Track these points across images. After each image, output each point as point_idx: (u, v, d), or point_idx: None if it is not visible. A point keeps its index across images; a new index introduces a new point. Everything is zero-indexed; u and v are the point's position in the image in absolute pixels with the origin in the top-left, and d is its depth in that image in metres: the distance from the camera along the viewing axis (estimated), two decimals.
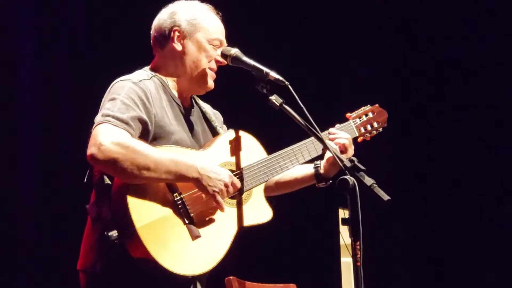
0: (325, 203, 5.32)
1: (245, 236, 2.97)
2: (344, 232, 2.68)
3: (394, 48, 5.76)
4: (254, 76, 2.93)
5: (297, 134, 3.07)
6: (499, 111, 5.49)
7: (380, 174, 2.86)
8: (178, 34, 3.03)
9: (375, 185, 2.63)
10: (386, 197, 2.59)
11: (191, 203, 2.83)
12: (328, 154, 3.16)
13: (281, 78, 2.88)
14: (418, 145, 5.69)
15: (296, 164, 3.15)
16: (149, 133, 2.84)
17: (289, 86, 2.81)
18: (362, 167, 2.66)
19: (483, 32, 5.53)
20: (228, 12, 3.19)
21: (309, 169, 3.24)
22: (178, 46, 3.02)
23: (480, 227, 5.49)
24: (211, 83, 3.07)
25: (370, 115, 3.42)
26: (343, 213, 2.63)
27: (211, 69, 3.05)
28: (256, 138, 3.10)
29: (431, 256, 5.63)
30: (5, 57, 4.50)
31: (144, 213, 2.72)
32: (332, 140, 3.20)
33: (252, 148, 3.07)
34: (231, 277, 3.32)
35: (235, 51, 3.02)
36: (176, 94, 3.04)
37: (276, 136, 3.63)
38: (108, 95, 2.88)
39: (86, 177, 2.85)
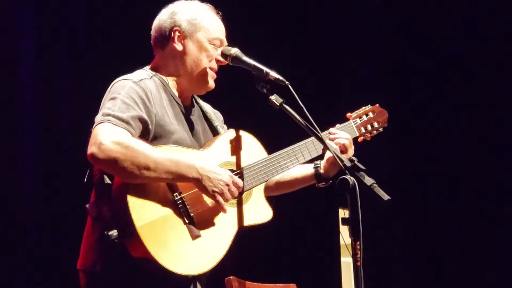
0: (325, 203, 5.31)
1: (245, 236, 2.97)
2: (344, 232, 2.68)
3: (394, 48, 5.76)
4: (254, 75, 2.93)
5: (297, 134, 3.07)
6: (499, 111, 5.49)
7: (380, 174, 2.85)
8: (179, 34, 3.03)
9: (375, 185, 2.62)
10: (386, 197, 2.59)
11: (191, 202, 2.83)
12: (328, 154, 3.16)
13: (281, 78, 2.88)
14: (418, 145, 5.68)
15: (297, 164, 3.15)
16: (149, 132, 2.84)
17: (289, 86, 2.81)
18: (362, 167, 2.66)
19: (483, 32, 5.53)
20: (228, 12, 3.19)
21: (309, 169, 3.24)
22: (178, 46, 3.02)
23: (480, 227, 5.49)
24: (211, 83, 3.07)
25: (371, 115, 3.42)
26: (343, 213, 2.63)
27: (211, 68, 3.05)
28: (256, 138, 3.11)
29: (431, 256, 5.63)
30: (5, 57, 4.50)
31: (144, 213, 2.72)
32: (332, 140, 3.20)
33: (253, 148, 3.07)
34: (231, 277, 3.32)
35: (235, 51, 3.02)
36: (176, 93, 3.04)
37: (276, 136, 3.63)
38: (108, 94, 2.88)
39: (86, 177, 2.85)
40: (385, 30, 5.78)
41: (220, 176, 2.84)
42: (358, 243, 2.56)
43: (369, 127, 3.40)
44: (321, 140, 2.82)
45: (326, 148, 2.88)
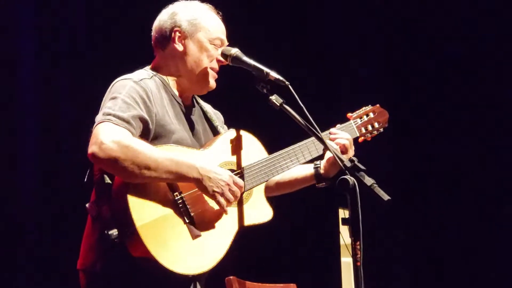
0: (325, 203, 5.31)
1: (245, 236, 2.97)
2: (344, 232, 2.68)
3: (394, 48, 5.75)
4: (254, 76, 2.93)
5: (297, 134, 3.07)
6: (499, 111, 5.49)
7: (380, 174, 2.85)
8: (179, 35, 3.03)
9: (375, 185, 2.62)
10: (386, 197, 2.59)
11: (192, 202, 2.83)
12: (328, 154, 3.16)
13: (281, 78, 2.88)
14: (418, 145, 5.68)
15: (297, 164, 3.15)
16: (150, 132, 2.84)
17: (289, 86, 2.81)
18: (362, 167, 2.66)
19: (483, 32, 5.53)
20: (228, 12, 3.19)
21: (309, 169, 3.24)
22: (179, 47, 3.02)
23: (480, 227, 5.49)
24: (212, 83, 3.07)
25: (371, 115, 3.42)
26: (343, 213, 2.63)
27: (212, 68, 3.05)
28: (256, 138, 3.11)
29: (431, 256, 5.63)
30: (5, 57, 4.50)
31: (145, 212, 2.72)
32: (332, 140, 3.20)
33: (253, 148, 3.07)
34: (231, 277, 3.32)
35: (235, 51, 3.02)
36: (177, 93, 3.04)
37: (276, 136, 3.62)
38: (109, 94, 2.88)
39: (86, 176, 2.85)
40: (385, 30, 5.78)
41: (220, 176, 2.84)
42: (358, 243, 2.56)
43: (369, 127, 3.40)
44: (321, 140, 2.82)
45: (326, 148, 2.88)
